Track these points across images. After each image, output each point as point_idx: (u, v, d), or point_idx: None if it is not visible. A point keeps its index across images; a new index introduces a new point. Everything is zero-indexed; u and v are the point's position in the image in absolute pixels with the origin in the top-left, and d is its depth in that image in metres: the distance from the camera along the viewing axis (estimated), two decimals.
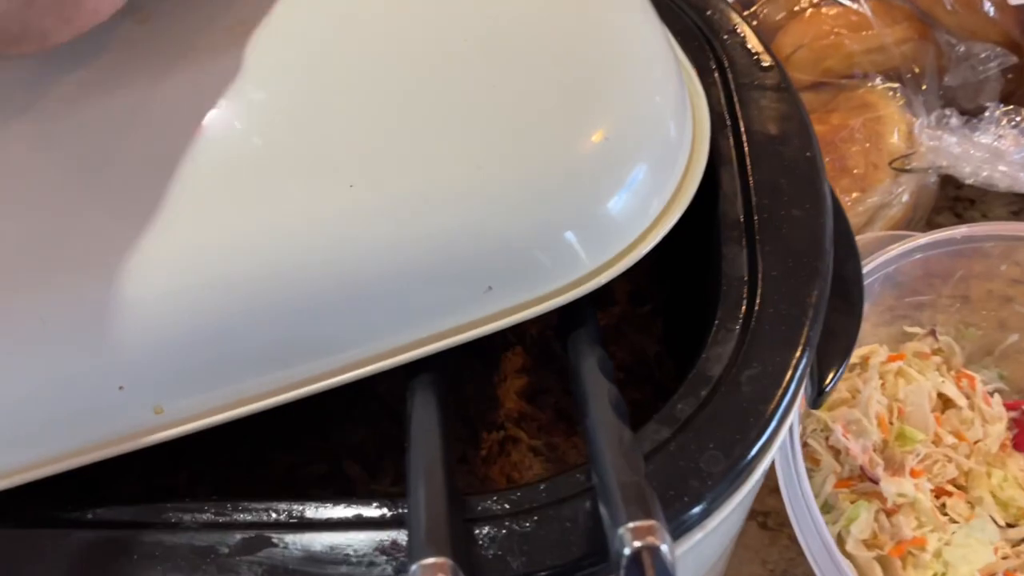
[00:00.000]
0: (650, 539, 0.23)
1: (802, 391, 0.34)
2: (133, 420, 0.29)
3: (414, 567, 0.24)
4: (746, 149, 0.39)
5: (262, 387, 0.29)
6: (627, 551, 0.23)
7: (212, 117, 0.29)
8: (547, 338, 0.46)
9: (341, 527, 0.30)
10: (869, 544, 0.43)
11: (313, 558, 0.29)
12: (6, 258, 0.28)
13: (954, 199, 0.66)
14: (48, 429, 0.28)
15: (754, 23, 0.50)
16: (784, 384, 0.32)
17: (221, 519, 0.30)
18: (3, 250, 0.28)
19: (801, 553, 0.49)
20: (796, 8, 0.59)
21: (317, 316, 0.28)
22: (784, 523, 0.51)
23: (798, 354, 0.33)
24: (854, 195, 0.54)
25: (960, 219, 0.66)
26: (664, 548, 0.23)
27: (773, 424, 0.31)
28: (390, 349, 0.29)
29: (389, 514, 0.30)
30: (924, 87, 0.56)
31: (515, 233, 0.29)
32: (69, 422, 0.28)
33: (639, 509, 0.24)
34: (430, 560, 0.24)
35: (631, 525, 0.24)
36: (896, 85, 0.56)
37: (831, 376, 0.37)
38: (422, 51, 0.30)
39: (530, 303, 0.30)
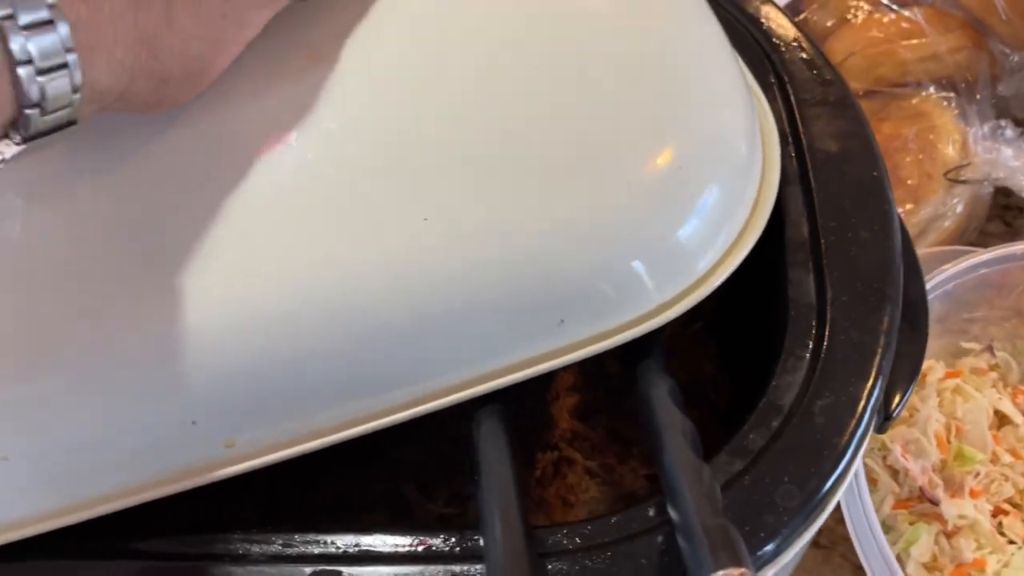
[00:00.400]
0: None
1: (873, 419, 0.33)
2: (205, 454, 0.29)
3: None
4: (810, 168, 0.38)
5: (333, 420, 0.29)
6: None
7: (285, 148, 0.28)
8: (599, 356, 0.45)
9: (410, 560, 0.29)
10: (929, 567, 0.43)
11: None
12: (81, 293, 0.28)
13: (1003, 207, 0.65)
14: (124, 463, 0.28)
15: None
16: (858, 415, 0.32)
17: (289, 551, 0.30)
18: (80, 286, 0.28)
19: (855, 572, 0.49)
20: (847, 15, 0.58)
21: (391, 350, 0.28)
22: (837, 541, 0.50)
23: (870, 383, 0.32)
24: (907, 206, 0.53)
25: (1010, 228, 0.65)
26: None
27: (848, 456, 0.31)
28: (462, 382, 0.29)
29: (459, 548, 0.30)
30: (978, 96, 0.55)
31: (587, 266, 0.28)
32: (144, 456, 0.28)
33: (728, 556, 0.24)
34: None
35: (721, 573, 0.23)
36: (950, 94, 0.55)
37: (897, 401, 0.36)
38: (491, 81, 0.29)
39: (603, 335, 0.29)
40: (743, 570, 0.23)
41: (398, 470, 0.42)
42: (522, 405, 0.42)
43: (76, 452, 0.28)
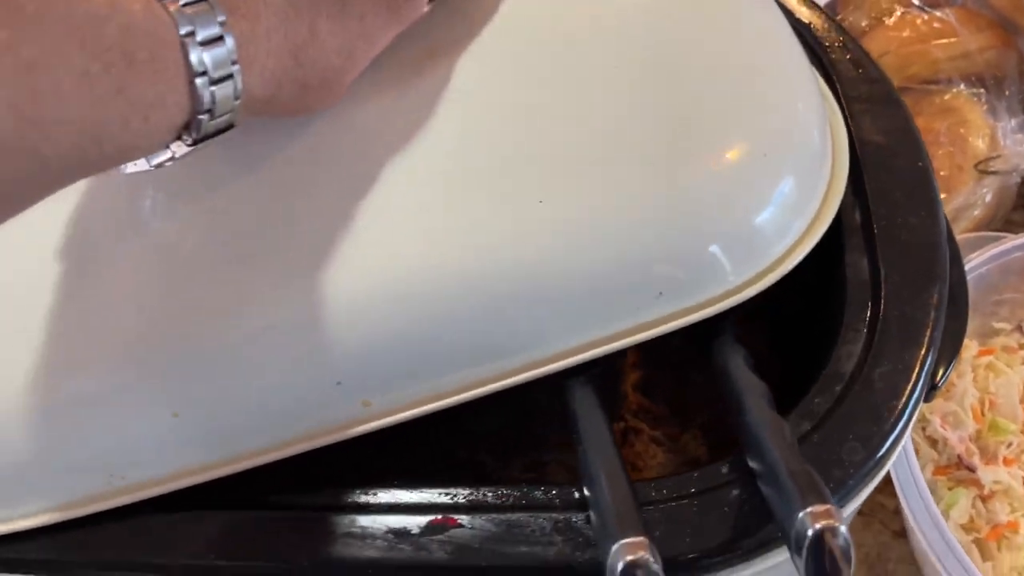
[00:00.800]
0: (830, 521, 0.26)
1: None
2: (345, 413, 0.32)
3: (616, 546, 0.27)
4: (860, 160, 0.41)
5: (454, 384, 0.32)
6: (810, 532, 0.26)
7: (414, 137, 0.32)
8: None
9: (518, 510, 0.33)
10: (967, 528, 0.46)
11: (495, 537, 0.32)
12: (246, 268, 0.31)
13: None
14: (277, 420, 0.32)
15: None
16: (912, 380, 0.35)
17: (406, 501, 0.33)
18: (244, 263, 0.32)
19: (894, 538, 0.52)
20: (881, 15, 0.61)
21: (511, 320, 0.31)
22: (875, 509, 0.54)
23: (923, 353, 0.36)
24: (941, 196, 0.56)
25: None
26: (843, 529, 0.26)
27: (905, 417, 0.34)
28: (572, 348, 0.32)
29: (558, 500, 0.33)
30: (1007, 93, 0.58)
31: (686, 244, 0.31)
32: (295, 414, 0.32)
33: (815, 495, 0.27)
34: (630, 539, 0.27)
35: (810, 509, 0.27)
36: (980, 91, 0.58)
37: (942, 372, 0.39)
38: (591, 78, 0.33)
39: (694, 308, 0.32)
40: (829, 506, 0.27)
41: (477, 441, 0.45)
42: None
43: (237, 411, 0.32)
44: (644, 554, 0.27)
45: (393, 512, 0.33)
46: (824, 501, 0.27)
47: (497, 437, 0.45)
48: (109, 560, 0.33)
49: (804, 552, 0.26)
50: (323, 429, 0.32)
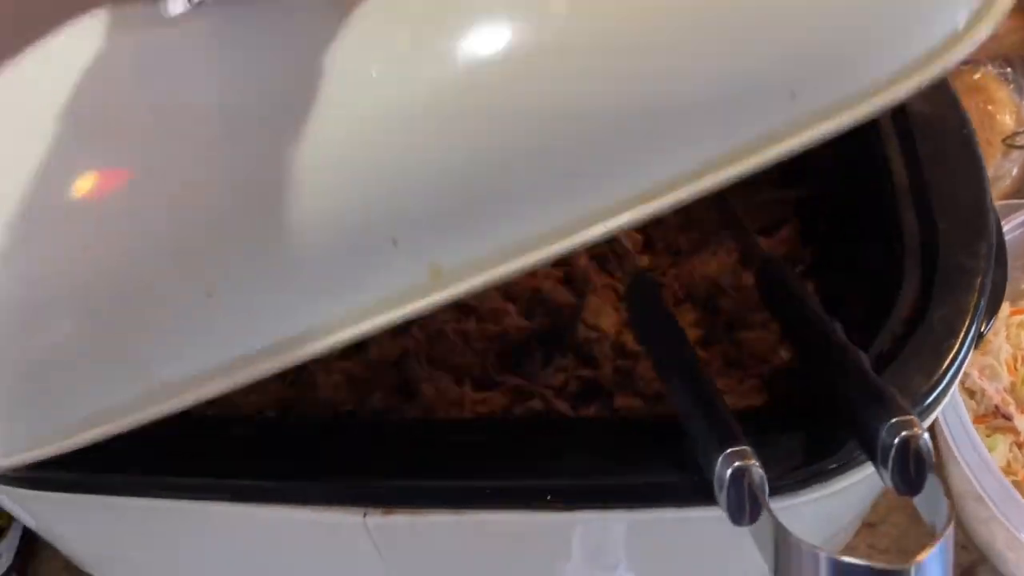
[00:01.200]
0: (915, 429, 0.30)
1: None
2: (409, 281, 0.27)
3: (722, 456, 0.30)
4: (911, 126, 0.45)
5: (541, 232, 0.26)
6: (897, 440, 0.29)
7: None
8: (714, 297, 0.52)
9: (614, 436, 0.36)
10: (1005, 471, 0.50)
11: (597, 460, 0.35)
12: (278, 117, 0.27)
13: None
14: (328, 290, 0.28)
15: None
16: (967, 322, 0.38)
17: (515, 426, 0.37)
18: (276, 109, 0.28)
19: None
20: None
21: (609, 135, 0.24)
22: None
23: (975, 298, 0.39)
24: None
25: None
26: (926, 435, 0.29)
27: (961, 354, 0.38)
28: (685, 173, 0.25)
29: (651, 428, 0.36)
30: None
31: (819, 32, 0.26)
32: (347, 283, 0.27)
33: (898, 408, 0.30)
34: (735, 448, 0.30)
35: (895, 420, 0.30)
36: (1007, 70, 0.62)
37: (987, 322, 0.43)
38: None
39: (832, 111, 0.26)
40: (912, 416, 0.30)
41: (551, 391, 0.49)
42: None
43: (277, 284, 0.27)
44: (749, 461, 0.30)
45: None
46: (907, 413, 0.30)
47: (567, 387, 0.48)
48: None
49: (891, 460, 0.30)
50: (388, 302, 0.27)
